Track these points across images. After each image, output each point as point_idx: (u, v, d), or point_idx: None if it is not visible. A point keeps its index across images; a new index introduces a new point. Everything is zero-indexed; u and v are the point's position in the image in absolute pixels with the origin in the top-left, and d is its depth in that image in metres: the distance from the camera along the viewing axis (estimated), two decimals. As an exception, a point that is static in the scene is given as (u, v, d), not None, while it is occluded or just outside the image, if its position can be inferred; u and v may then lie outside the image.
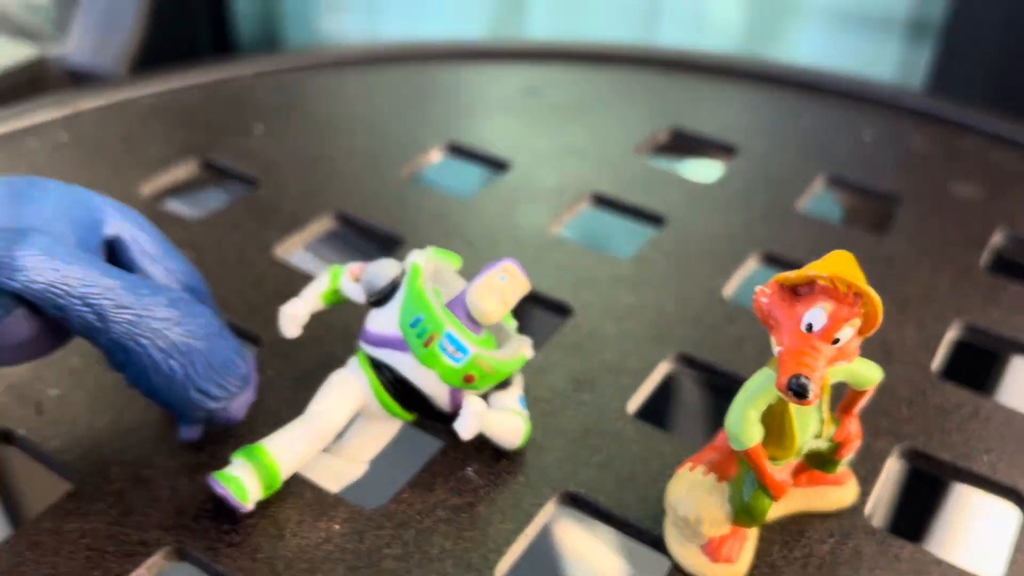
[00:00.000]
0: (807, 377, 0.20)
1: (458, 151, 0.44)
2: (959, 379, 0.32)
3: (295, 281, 0.35)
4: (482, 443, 0.28)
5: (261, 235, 0.37)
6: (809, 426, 0.24)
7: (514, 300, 0.27)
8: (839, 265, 0.22)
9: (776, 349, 0.21)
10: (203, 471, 0.27)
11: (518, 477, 0.27)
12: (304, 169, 0.41)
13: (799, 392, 0.20)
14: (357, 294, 0.28)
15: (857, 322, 0.21)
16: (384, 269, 0.28)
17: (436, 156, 0.43)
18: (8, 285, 0.22)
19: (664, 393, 0.34)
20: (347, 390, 0.27)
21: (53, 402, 0.29)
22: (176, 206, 0.40)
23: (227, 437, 0.28)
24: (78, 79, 0.76)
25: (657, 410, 0.32)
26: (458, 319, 0.27)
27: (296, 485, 0.27)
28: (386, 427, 0.29)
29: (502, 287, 0.27)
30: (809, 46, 0.80)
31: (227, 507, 0.25)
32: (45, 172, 0.40)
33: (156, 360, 0.24)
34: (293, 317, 0.28)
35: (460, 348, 0.26)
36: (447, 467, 0.28)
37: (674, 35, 0.89)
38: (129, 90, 0.46)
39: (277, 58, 0.49)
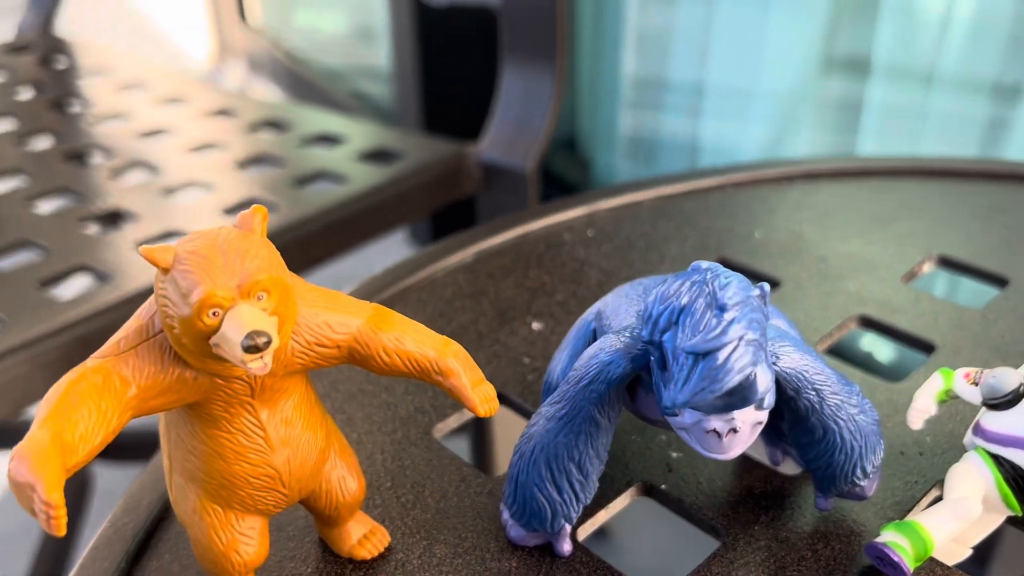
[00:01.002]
0: None
1: (949, 264, 0.47)
2: None
3: (846, 376, 0.39)
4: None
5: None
6: None
7: None
8: None
9: None
10: (835, 540, 0.31)
11: None
12: (813, 272, 0.46)
13: None
14: (970, 395, 0.32)
15: None
16: (1008, 376, 0.31)
17: (927, 267, 0.47)
18: (771, 368, 0.27)
19: None
20: (979, 480, 0.30)
21: (677, 462, 0.35)
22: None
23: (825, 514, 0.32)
24: (490, 173, 0.86)
25: None
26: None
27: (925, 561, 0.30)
28: (993, 518, 0.32)
29: None
30: None
31: (887, 572, 0.29)
32: (589, 260, 0.47)
33: (844, 439, 0.29)
34: (924, 411, 0.32)
35: (1097, 454, 0.29)
36: (1063, 563, 0.30)
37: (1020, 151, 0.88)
38: (632, 194, 0.53)
39: (751, 170, 0.55)
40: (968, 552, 0.32)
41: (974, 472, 0.31)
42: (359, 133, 0.90)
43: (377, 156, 0.86)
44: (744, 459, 0.35)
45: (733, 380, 0.23)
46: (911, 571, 0.29)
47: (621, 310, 0.31)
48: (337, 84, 2.00)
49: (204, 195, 0.76)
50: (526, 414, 0.38)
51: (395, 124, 1.63)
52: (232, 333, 0.23)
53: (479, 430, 0.75)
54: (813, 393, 0.28)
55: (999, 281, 0.45)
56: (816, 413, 0.28)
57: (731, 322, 0.23)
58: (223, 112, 0.95)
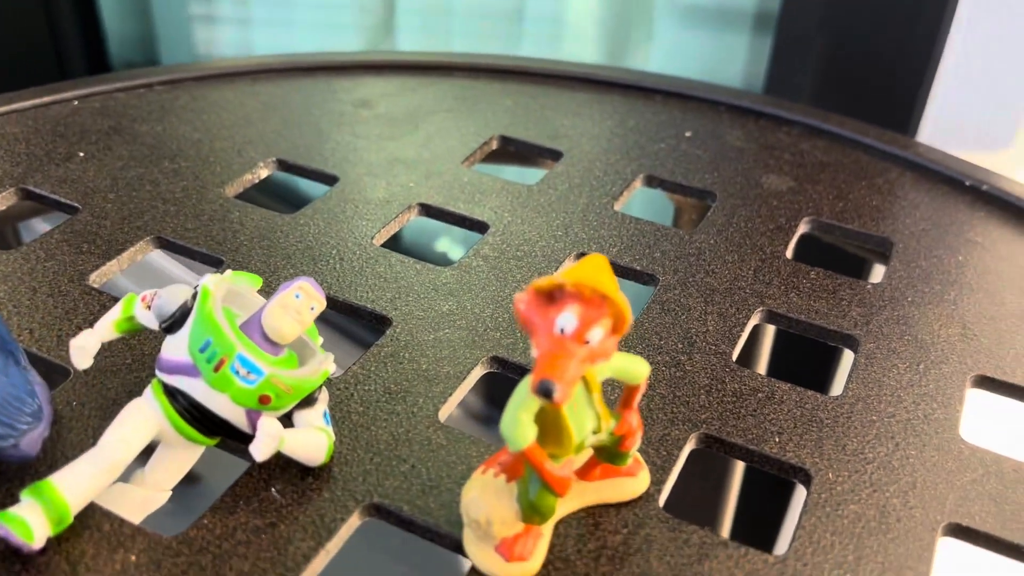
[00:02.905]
0: (553, 380, 0.21)
1: (287, 167, 0.44)
2: (802, 375, 0.34)
3: (109, 309, 0.34)
4: (287, 462, 0.28)
5: (77, 263, 0.36)
6: (585, 423, 0.25)
7: (310, 318, 0.27)
8: (588, 270, 0.23)
9: (534, 352, 0.22)
10: (-3, 512, 0.27)
11: (323, 493, 0.28)
12: (125, 194, 0.41)
13: (546, 394, 0.21)
14: (150, 321, 0.28)
15: (607, 323, 0.22)
16: (174, 295, 0.28)
17: (264, 173, 0.43)
18: None
19: (484, 397, 0.35)
20: (139, 419, 0.27)
21: None
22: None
23: (24, 475, 0.28)
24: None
25: (476, 413, 0.33)
26: (252, 340, 0.27)
27: (94, 518, 0.27)
28: (188, 454, 0.28)
29: (297, 305, 0.27)
30: (665, 43, 0.82)
31: (13, 547, 0.25)
32: None
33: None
34: (82, 349, 0.28)
35: (253, 370, 0.26)
36: (251, 489, 0.28)
37: (536, 45, 0.91)
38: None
39: (103, 80, 0.48)
40: (167, 496, 0.29)
41: (141, 408, 0.27)
42: None
43: None
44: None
45: None
46: (33, 545, 0.25)
47: None
48: None
49: None
50: None
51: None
52: None
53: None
54: None
55: (554, 154, 0.43)
56: None
57: None
58: None
